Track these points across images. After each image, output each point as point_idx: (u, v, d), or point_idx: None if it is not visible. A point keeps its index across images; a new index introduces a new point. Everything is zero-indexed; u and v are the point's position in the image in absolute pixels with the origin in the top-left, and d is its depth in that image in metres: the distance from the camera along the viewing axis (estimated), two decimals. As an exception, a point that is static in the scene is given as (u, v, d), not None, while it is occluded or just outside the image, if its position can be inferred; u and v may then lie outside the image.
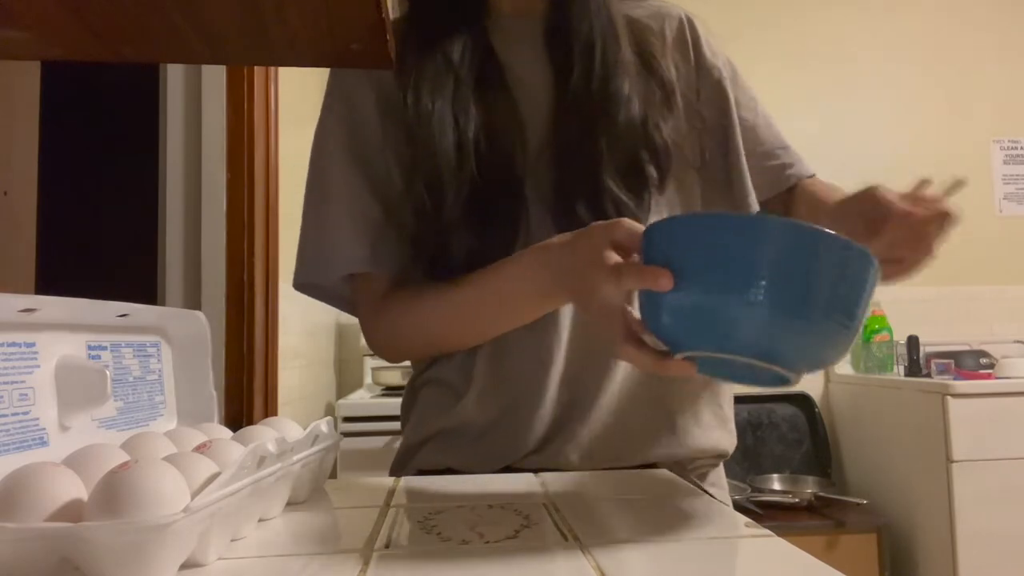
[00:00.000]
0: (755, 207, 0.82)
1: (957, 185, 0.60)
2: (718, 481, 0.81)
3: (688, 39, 0.84)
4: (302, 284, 0.78)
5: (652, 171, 0.74)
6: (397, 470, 0.80)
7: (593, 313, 0.56)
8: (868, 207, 0.62)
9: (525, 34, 0.78)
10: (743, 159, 0.82)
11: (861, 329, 0.46)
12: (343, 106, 0.78)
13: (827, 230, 0.43)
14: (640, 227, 0.54)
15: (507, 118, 0.73)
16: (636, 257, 0.53)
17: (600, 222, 0.58)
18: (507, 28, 0.78)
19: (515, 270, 0.66)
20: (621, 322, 0.53)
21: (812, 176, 0.85)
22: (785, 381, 0.48)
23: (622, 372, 0.74)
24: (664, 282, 0.45)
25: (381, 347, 0.78)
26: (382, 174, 0.75)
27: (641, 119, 0.74)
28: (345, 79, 0.78)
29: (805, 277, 0.43)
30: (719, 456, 0.80)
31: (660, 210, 0.76)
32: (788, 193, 0.85)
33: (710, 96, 0.83)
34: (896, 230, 0.58)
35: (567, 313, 0.73)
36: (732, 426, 0.82)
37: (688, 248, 0.46)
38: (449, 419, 0.75)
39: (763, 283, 0.43)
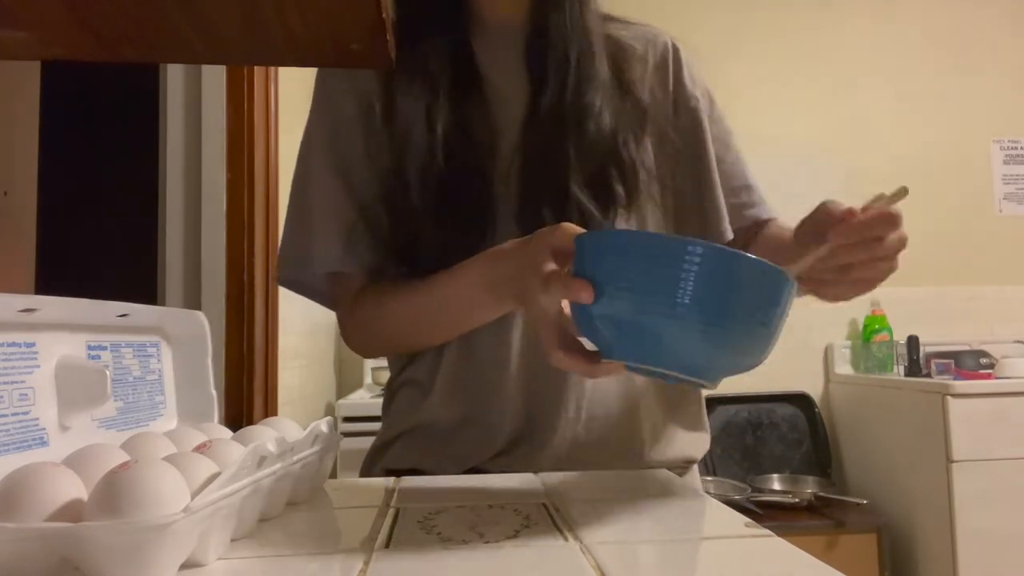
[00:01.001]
0: (728, 234, 0.83)
1: (900, 193, 0.59)
2: (692, 482, 0.83)
3: (670, 66, 0.85)
4: (286, 280, 0.82)
5: (619, 188, 0.75)
6: (366, 470, 0.82)
7: (532, 319, 0.58)
8: (819, 219, 0.61)
9: (506, 43, 0.80)
10: (717, 187, 0.83)
11: (778, 337, 0.48)
12: (326, 111, 0.80)
13: (744, 253, 0.45)
14: (580, 231, 0.55)
15: (480, 122, 0.75)
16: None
17: (545, 228, 0.58)
18: (489, 36, 0.80)
19: (469, 273, 0.68)
20: (554, 329, 0.54)
21: (772, 219, 0.86)
22: (704, 385, 0.50)
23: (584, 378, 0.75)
24: (585, 296, 0.47)
25: (355, 344, 0.80)
26: (359, 177, 0.77)
27: (611, 132, 0.75)
28: (329, 84, 0.81)
29: (722, 299, 0.44)
30: (688, 462, 0.82)
31: (631, 227, 0.78)
32: (748, 233, 0.86)
33: (686, 124, 0.84)
34: (840, 236, 0.57)
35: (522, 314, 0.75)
36: (702, 432, 0.83)
37: (611, 264, 0.47)
38: (417, 418, 0.77)
39: (681, 304, 0.44)
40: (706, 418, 0.85)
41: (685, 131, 0.84)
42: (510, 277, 0.61)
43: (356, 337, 0.79)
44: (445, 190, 0.72)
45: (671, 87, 0.85)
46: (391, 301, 0.74)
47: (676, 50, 0.87)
